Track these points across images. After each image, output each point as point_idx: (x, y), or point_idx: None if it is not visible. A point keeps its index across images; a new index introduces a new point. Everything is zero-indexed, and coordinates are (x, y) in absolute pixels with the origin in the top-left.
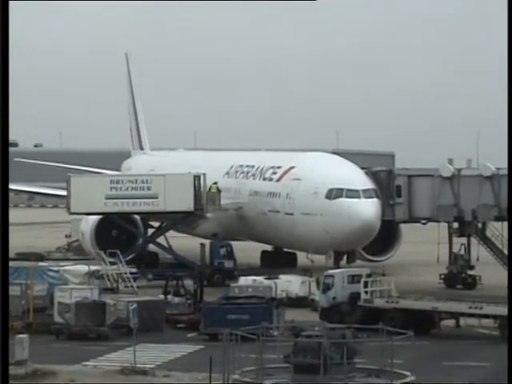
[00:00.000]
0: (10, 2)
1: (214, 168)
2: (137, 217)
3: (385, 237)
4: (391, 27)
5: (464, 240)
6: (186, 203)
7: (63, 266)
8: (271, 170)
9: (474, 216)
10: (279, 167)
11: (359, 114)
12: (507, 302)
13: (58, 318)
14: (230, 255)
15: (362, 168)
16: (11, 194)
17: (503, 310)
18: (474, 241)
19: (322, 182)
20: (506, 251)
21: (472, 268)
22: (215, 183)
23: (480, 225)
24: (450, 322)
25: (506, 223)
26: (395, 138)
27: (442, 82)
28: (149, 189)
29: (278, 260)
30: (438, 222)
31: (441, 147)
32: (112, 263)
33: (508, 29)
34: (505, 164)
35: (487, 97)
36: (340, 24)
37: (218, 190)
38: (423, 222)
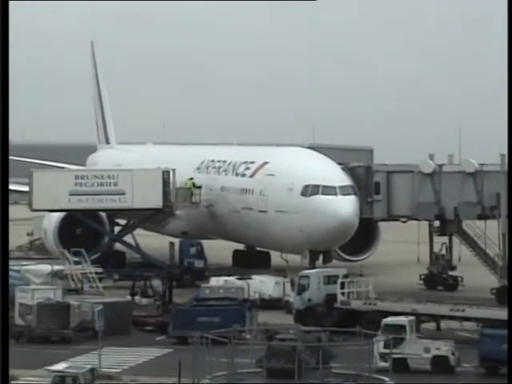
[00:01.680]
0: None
1: (185, 163)
2: (103, 214)
3: (363, 236)
4: (374, 19)
5: (445, 239)
6: (155, 200)
7: (25, 265)
8: (244, 166)
9: (455, 214)
10: (252, 162)
11: (336, 107)
12: (507, 301)
13: (18, 320)
14: (201, 254)
15: (339, 164)
16: None
17: (486, 313)
18: (455, 240)
19: (297, 178)
20: (489, 251)
21: (453, 268)
22: (191, 179)
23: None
24: (431, 325)
25: (489, 222)
26: (374, 132)
27: (424, 75)
28: (115, 184)
29: (250, 260)
30: (419, 220)
31: (421, 142)
32: (76, 263)
33: (508, 29)
34: (488, 160)
35: (470, 90)
36: (318, 15)
37: (195, 186)
38: (403, 220)
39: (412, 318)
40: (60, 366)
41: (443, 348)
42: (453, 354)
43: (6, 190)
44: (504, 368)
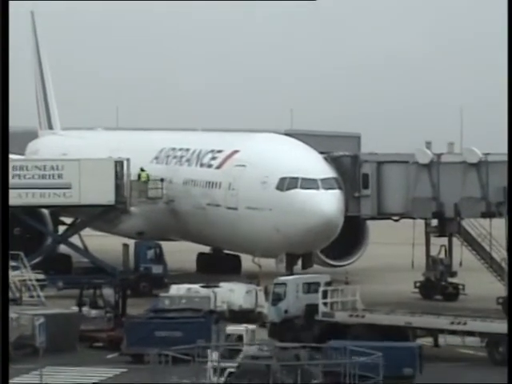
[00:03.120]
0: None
1: (141, 151)
2: (45, 211)
3: (348, 236)
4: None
5: (444, 241)
6: (106, 195)
7: None
8: (210, 155)
9: (456, 212)
10: (220, 151)
11: (318, 87)
12: (507, 301)
13: None
14: (160, 258)
15: (321, 153)
16: None
17: (491, 326)
18: (456, 242)
19: (271, 170)
20: (494, 254)
21: (454, 275)
22: (143, 170)
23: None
24: (427, 341)
25: (495, 221)
26: (361, 116)
27: (420, 50)
28: (60, 177)
29: (217, 264)
30: (413, 218)
31: (417, 128)
32: (14, 268)
33: (508, 29)
34: (493, 149)
35: (473, 68)
36: None
37: (148, 179)
38: (395, 218)
39: (252, 326)
40: None
41: None
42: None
43: (6, 190)
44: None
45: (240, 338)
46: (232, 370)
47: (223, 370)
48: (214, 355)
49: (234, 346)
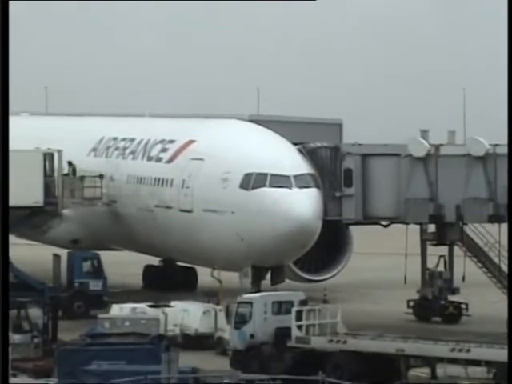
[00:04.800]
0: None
1: (75, 142)
2: None
3: (327, 245)
4: None
5: (444, 250)
6: (33, 194)
7: None
8: (160, 146)
9: (458, 215)
10: (172, 141)
11: (289, 64)
12: (507, 303)
13: None
14: (98, 272)
15: (295, 143)
16: None
17: (499, 354)
18: (458, 252)
19: (234, 164)
20: (504, 267)
21: (455, 292)
22: (70, 163)
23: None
24: (423, 371)
25: (504, 226)
26: (343, 99)
27: (416, 24)
28: None
29: (169, 279)
30: (406, 223)
31: (411, 114)
32: None
33: (508, 29)
34: (503, 139)
35: (477, 42)
36: None
37: (75, 174)
38: (384, 223)
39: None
40: None
41: None
42: None
43: (6, 191)
44: None
45: None
46: None
47: None
48: None
49: None
